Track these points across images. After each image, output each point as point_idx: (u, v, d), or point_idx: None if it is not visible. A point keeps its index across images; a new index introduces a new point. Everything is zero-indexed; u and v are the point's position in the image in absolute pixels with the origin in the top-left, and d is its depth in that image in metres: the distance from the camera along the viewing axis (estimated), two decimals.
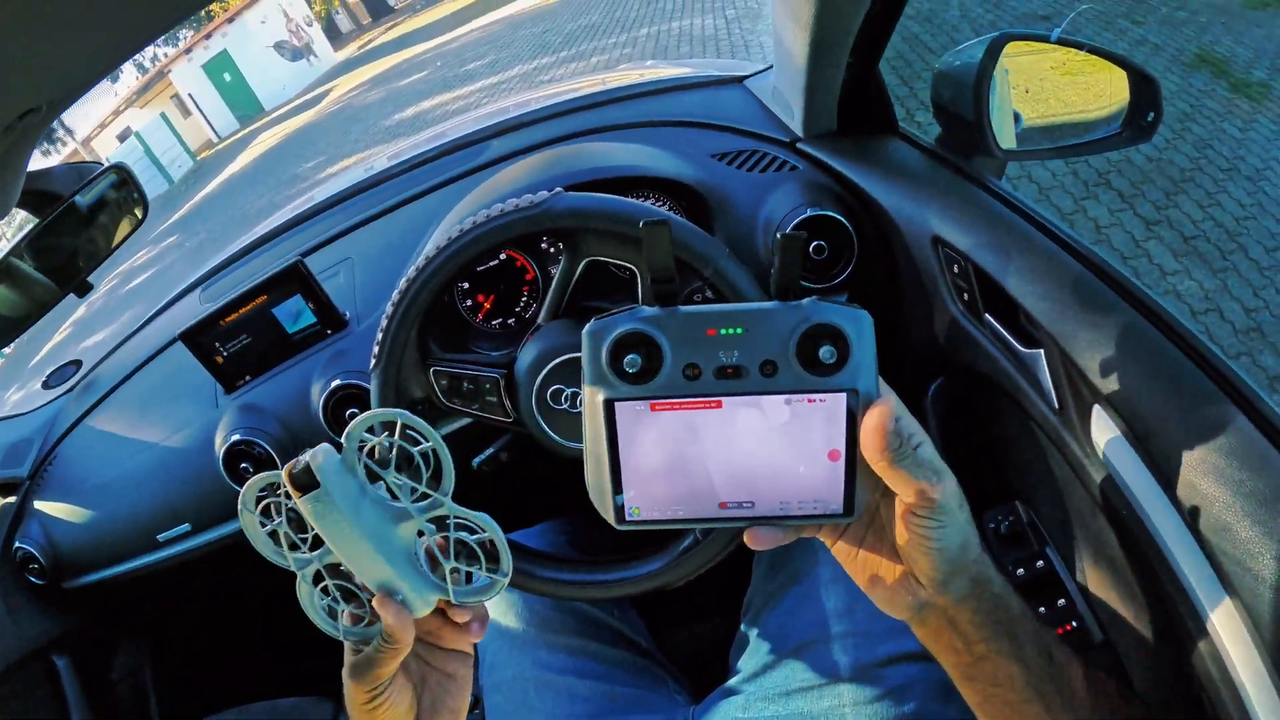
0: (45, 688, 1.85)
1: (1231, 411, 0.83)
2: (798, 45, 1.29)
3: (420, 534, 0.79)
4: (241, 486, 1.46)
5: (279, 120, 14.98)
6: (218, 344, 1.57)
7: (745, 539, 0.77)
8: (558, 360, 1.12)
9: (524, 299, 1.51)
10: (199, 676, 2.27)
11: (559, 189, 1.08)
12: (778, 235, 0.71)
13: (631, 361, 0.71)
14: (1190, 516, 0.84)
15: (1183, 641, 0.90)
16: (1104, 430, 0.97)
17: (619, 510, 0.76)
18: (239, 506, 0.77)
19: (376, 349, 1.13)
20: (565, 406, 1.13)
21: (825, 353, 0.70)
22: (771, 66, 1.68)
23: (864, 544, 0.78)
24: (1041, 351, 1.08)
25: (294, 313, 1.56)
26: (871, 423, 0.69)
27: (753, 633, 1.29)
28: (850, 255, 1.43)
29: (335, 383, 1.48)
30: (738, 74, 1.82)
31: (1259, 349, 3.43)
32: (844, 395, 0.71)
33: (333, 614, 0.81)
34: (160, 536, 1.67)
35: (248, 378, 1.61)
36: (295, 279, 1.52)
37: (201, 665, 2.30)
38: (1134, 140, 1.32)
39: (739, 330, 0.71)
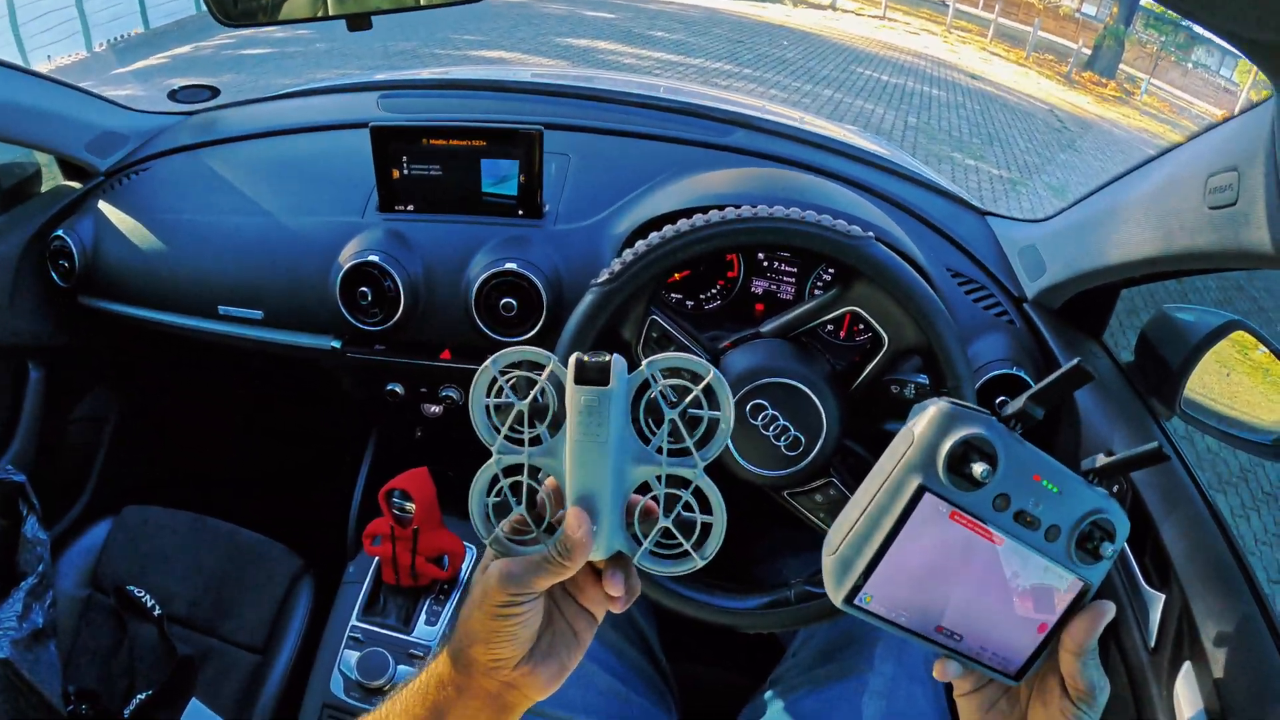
0: (7, 389, 1.76)
1: None
2: (1122, 247, 1.29)
3: (644, 489, 0.76)
4: (347, 307, 1.48)
5: None
6: (405, 158, 1.49)
7: (936, 666, 0.80)
8: (776, 380, 1.10)
9: (713, 291, 1.49)
10: (158, 461, 2.18)
11: (871, 234, 1.08)
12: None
13: (985, 472, 0.70)
14: None
15: None
16: (1187, 686, 1.04)
17: (853, 590, 0.75)
18: (486, 365, 0.74)
19: (619, 267, 1.09)
20: (759, 424, 1.11)
21: (1105, 547, 0.75)
22: (1024, 220, 1.69)
23: (996, 706, 0.83)
24: (1163, 596, 1.13)
25: (500, 175, 1.49)
26: (1090, 618, 0.76)
27: (777, 705, 1.29)
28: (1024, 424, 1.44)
29: (509, 265, 1.42)
30: (976, 204, 1.81)
31: None
32: (1083, 585, 0.77)
33: (495, 516, 0.77)
34: (223, 309, 1.58)
35: (411, 207, 1.53)
36: (527, 145, 1.45)
37: (169, 453, 2.21)
38: (1277, 458, 1.40)
39: (1056, 489, 0.74)
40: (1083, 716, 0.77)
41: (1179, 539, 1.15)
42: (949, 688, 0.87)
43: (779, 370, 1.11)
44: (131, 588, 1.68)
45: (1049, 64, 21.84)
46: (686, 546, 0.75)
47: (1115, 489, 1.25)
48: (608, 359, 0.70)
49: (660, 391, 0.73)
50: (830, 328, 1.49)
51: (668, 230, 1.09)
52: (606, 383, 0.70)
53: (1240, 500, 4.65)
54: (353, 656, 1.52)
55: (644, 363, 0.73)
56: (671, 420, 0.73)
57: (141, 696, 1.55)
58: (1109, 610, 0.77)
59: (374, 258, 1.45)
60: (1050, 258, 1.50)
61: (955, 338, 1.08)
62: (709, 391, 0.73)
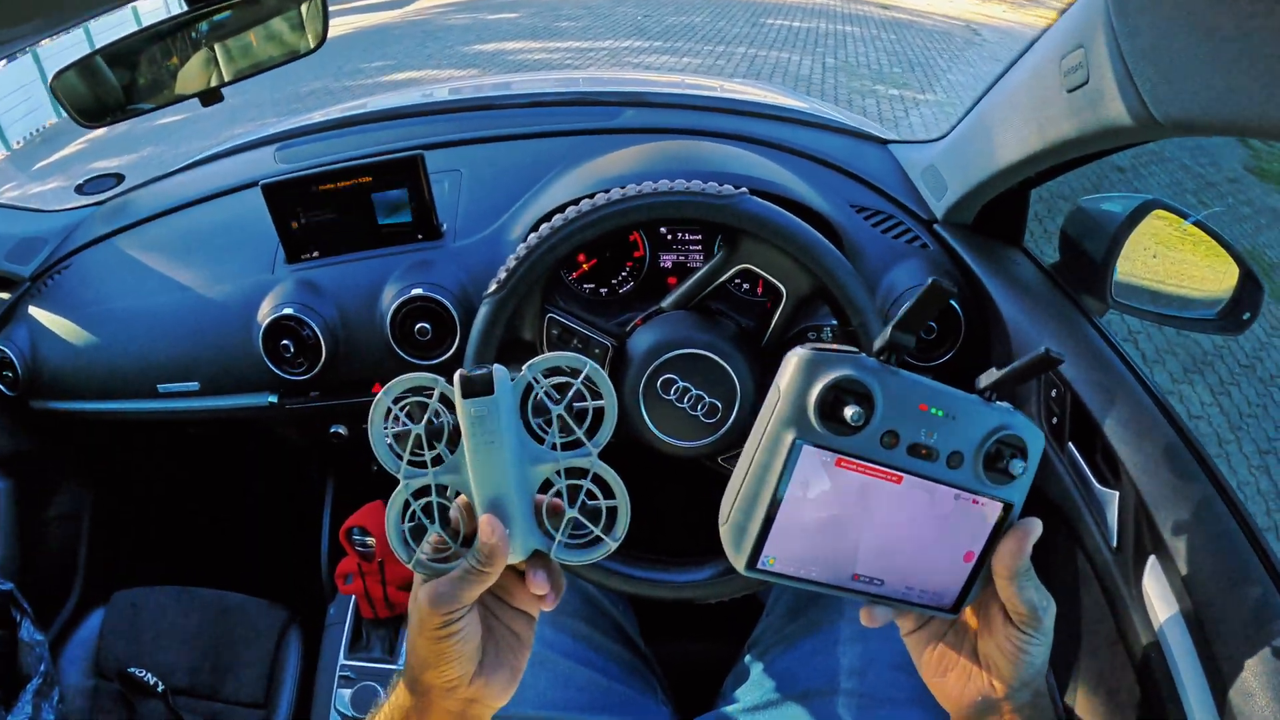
0: None
1: (1278, 602, 0.89)
2: (1006, 149, 1.30)
3: (549, 485, 0.78)
4: (273, 362, 1.48)
5: (359, 10, 14.82)
6: (299, 208, 1.50)
7: (862, 614, 0.80)
8: (681, 351, 1.11)
9: (623, 274, 1.50)
10: (139, 542, 2.19)
11: (745, 189, 1.08)
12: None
13: (856, 415, 0.68)
14: (1219, 680, 0.90)
15: None
16: (1155, 580, 1.03)
17: (754, 555, 0.73)
18: (379, 396, 0.75)
19: (504, 275, 1.10)
20: (672, 398, 1.12)
21: (1015, 464, 0.73)
22: (923, 140, 1.69)
23: (943, 640, 0.83)
24: (1116, 493, 1.13)
25: (392, 205, 1.51)
26: (1016, 538, 0.75)
27: (757, 668, 1.29)
28: (954, 343, 1.45)
29: (416, 291, 1.44)
30: (877, 133, 1.82)
31: None
32: (1001, 506, 0.75)
33: (414, 539, 0.78)
34: (162, 387, 1.60)
35: (315, 253, 1.54)
36: (410, 171, 1.47)
37: (145, 532, 2.22)
38: (1225, 330, 1.38)
39: (944, 413, 0.72)
40: (1029, 639, 0.76)
41: (1123, 433, 1.14)
42: None
43: (681, 341, 1.11)
44: (133, 669, 1.72)
45: None
46: (597, 532, 0.78)
47: (1054, 394, 1.24)
48: (489, 370, 0.73)
49: (545, 391, 0.76)
50: (746, 286, 1.48)
51: (543, 229, 1.10)
52: (491, 392, 0.73)
53: (1219, 377, 4.70)
54: (346, 694, 1.62)
55: (525, 366, 0.75)
56: (559, 416, 0.76)
57: None
58: (1034, 528, 0.76)
59: (288, 310, 1.47)
60: (948, 174, 1.51)
61: (848, 274, 1.08)
62: (590, 382, 0.76)
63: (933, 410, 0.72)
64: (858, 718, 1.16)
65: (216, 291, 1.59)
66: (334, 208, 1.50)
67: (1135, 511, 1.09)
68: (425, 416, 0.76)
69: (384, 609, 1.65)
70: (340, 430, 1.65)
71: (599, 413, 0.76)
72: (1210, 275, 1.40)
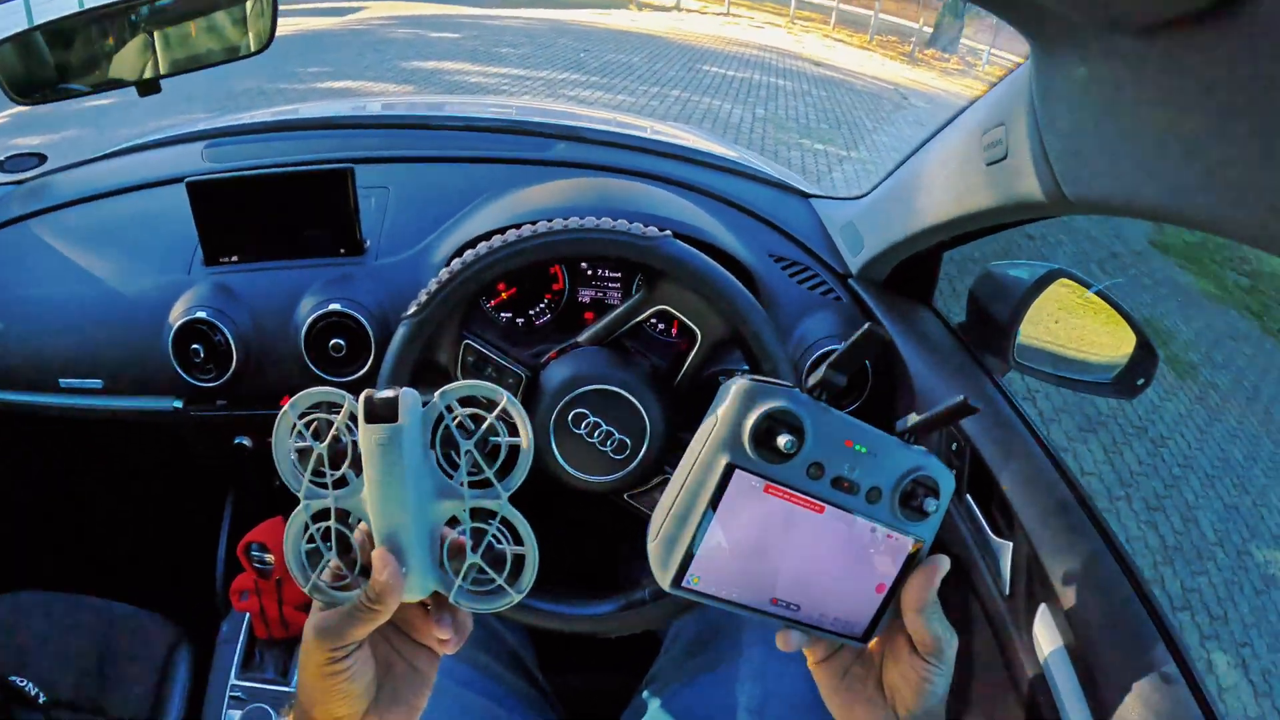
0: None
1: (1162, 652, 0.95)
2: (924, 213, 1.34)
3: (454, 522, 0.75)
4: (182, 366, 1.45)
5: (298, 15, 14.64)
6: (223, 210, 1.47)
7: (778, 638, 0.82)
8: (595, 386, 1.11)
9: (541, 305, 1.50)
10: (22, 545, 2.09)
11: (668, 232, 1.10)
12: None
13: (789, 443, 0.71)
14: None
15: None
16: (1045, 626, 1.08)
17: (680, 573, 0.75)
18: (285, 410, 0.72)
19: (425, 297, 1.09)
20: (583, 433, 1.12)
21: (928, 502, 0.78)
22: (844, 198, 1.72)
23: (850, 669, 0.86)
24: (1010, 544, 1.17)
25: (317, 216, 1.48)
26: (925, 574, 0.80)
27: (654, 703, 1.29)
28: (861, 393, 1.47)
29: (333, 306, 1.41)
30: (800, 187, 1.85)
31: (1196, 606, 3.98)
32: (912, 541, 0.80)
33: (312, 563, 0.75)
34: (63, 381, 1.53)
35: (234, 258, 1.51)
36: (339, 184, 1.45)
37: (33, 532, 2.13)
38: (1119, 395, 1.45)
39: (866, 450, 0.76)
40: (933, 669, 0.80)
41: (1019, 487, 1.19)
42: None
43: (594, 377, 1.12)
44: (14, 678, 1.60)
45: (892, 45, 22.37)
46: (500, 582, 0.75)
47: (954, 447, 1.29)
48: (395, 394, 0.70)
49: (458, 421, 0.73)
50: (661, 326, 1.50)
51: (468, 255, 1.09)
52: (395, 419, 0.69)
53: (1111, 437, 4.91)
54: (235, 716, 1.52)
55: (437, 394, 0.73)
56: (468, 452, 0.73)
57: None
58: (943, 565, 0.80)
59: (201, 314, 1.43)
60: (866, 232, 1.55)
61: (764, 323, 1.11)
62: (506, 416, 0.73)
63: (857, 446, 0.76)
64: None
65: (129, 287, 1.54)
66: (258, 213, 1.48)
67: (1028, 562, 1.13)
68: (330, 435, 0.73)
69: (279, 629, 1.59)
70: (245, 442, 1.62)
71: (513, 451, 0.74)
72: (1108, 342, 1.46)
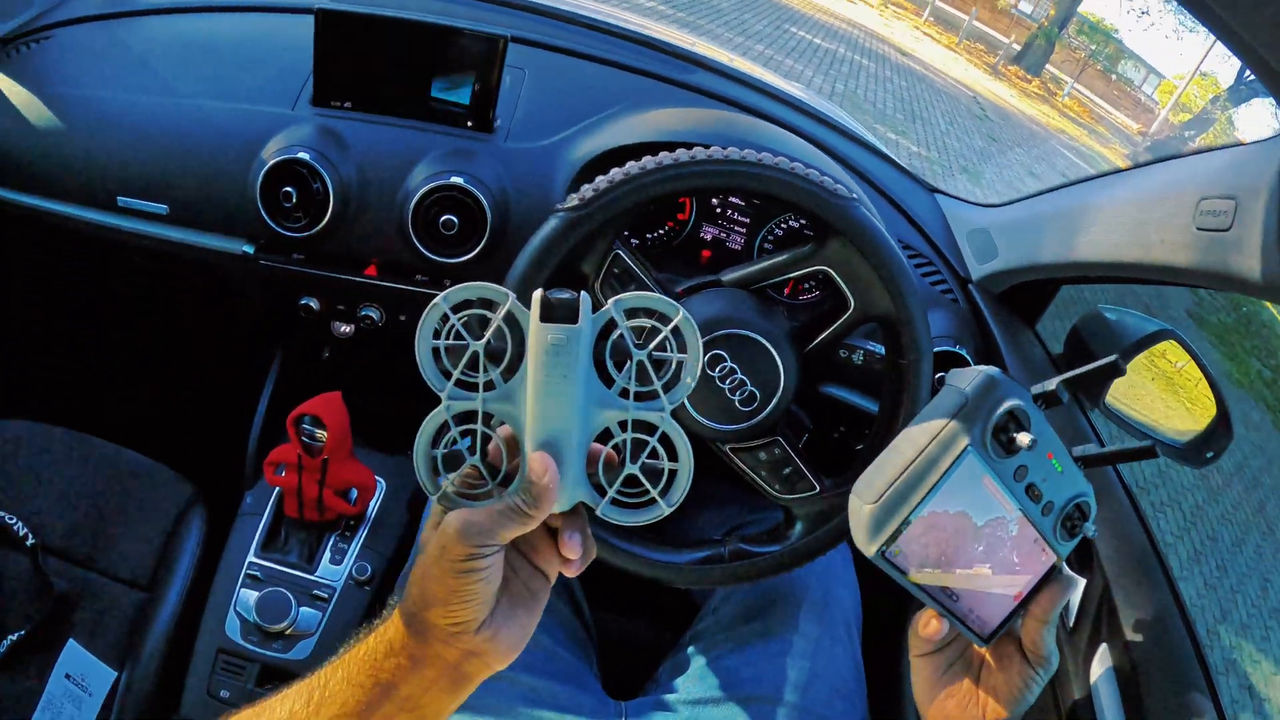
0: None
1: (1207, 705, 0.99)
2: (1089, 246, 1.31)
3: (608, 436, 0.72)
4: (267, 209, 1.35)
5: None
6: (349, 48, 1.36)
7: (921, 621, 0.84)
8: (738, 332, 1.06)
9: (660, 231, 1.43)
10: (34, 369, 1.96)
11: (860, 194, 1.05)
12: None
13: (1031, 442, 0.74)
14: None
15: None
16: (1102, 665, 1.10)
17: (890, 541, 0.75)
18: (436, 302, 0.69)
19: (591, 194, 1.01)
20: (716, 376, 1.06)
21: (1087, 528, 0.82)
22: (973, 202, 1.71)
23: (952, 667, 0.88)
24: (1084, 580, 1.16)
25: (451, 81, 1.38)
26: (1057, 591, 0.83)
27: (699, 661, 1.27)
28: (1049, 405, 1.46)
29: (454, 179, 1.31)
30: (926, 180, 1.81)
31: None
32: (1056, 558, 0.83)
33: (449, 466, 0.72)
34: (123, 200, 1.39)
35: (348, 104, 1.40)
36: (489, 51, 1.35)
37: (44, 362, 1.99)
38: (1186, 461, 1.44)
39: (1060, 469, 0.80)
40: (1035, 679, 0.83)
41: (1104, 529, 1.20)
42: (864, 647, 0.92)
43: (742, 321, 1.06)
44: (1, 513, 1.45)
45: (978, 53, 22.25)
46: (654, 494, 0.73)
47: None
48: (574, 296, 0.67)
49: (625, 332, 0.70)
50: (807, 285, 1.45)
51: (648, 161, 1.02)
52: (574, 320, 0.67)
53: (1159, 498, 4.97)
54: (250, 596, 1.39)
55: (609, 301, 0.70)
56: (639, 362, 0.71)
57: (14, 637, 1.34)
58: (1079, 584, 0.85)
59: (304, 155, 1.32)
60: (1003, 244, 1.51)
61: (923, 311, 1.07)
62: (676, 333, 0.71)
63: (1054, 461, 0.80)
64: None
65: (220, 109, 1.41)
66: (389, 61, 1.38)
67: (1099, 600, 1.14)
68: (487, 334, 0.69)
69: (313, 511, 1.46)
70: (312, 304, 1.48)
71: (679, 367, 0.71)
72: (1187, 409, 1.45)
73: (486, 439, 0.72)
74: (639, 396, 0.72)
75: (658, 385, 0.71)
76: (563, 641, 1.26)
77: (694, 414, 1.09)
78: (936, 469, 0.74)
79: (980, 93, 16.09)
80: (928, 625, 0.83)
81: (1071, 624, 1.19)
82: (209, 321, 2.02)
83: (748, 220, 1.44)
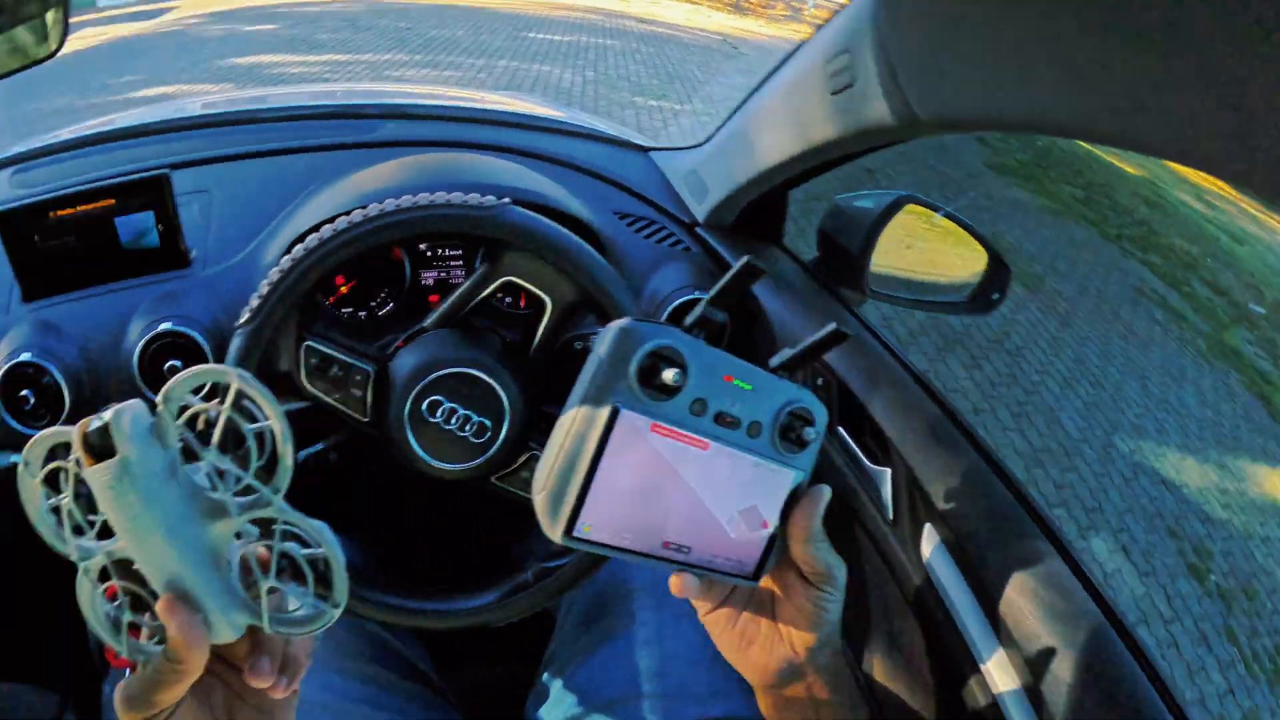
0: None
1: (1045, 547, 0.99)
2: (768, 152, 1.33)
3: (239, 537, 0.64)
4: (14, 416, 1.30)
5: (108, 21, 14.03)
6: (37, 238, 1.33)
7: (674, 582, 0.80)
8: (446, 371, 1.06)
9: (383, 295, 1.42)
10: None
11: (508, 200, 1.05)
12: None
13: (676, 375, 0.70)
14: (1002, 626, 0.97)
15: None
16: (931, 544, 1.10)
17: (570, 522, 0.72)
18: (20, 465, 0.63)
19: (258, 302, 1.01)
20: (439, 420, 1.07)
21: (807, 431, 0.79)
22: (684, 147, 1.71)
23: (742, 614, 0.86)
24: (889, 471, 1.19)
25: (138, 230, 1.36)
26: (809, 504, 0.80)
27: (556, 684, 1.27)
28: (720, 342, 1.46)
29: (164, 326, 1.29)
30: (639, 141, 1.83)
31: (1071, 501, 4.24)
32: (794, 474, 0.81)
33: (120, 624, 0.65)
34: None
35: (55, 290, 1.37)
36: (155, 192, 1.33)
37: None
38: (975, 311, 1.48)
39: (749, 386, 0.76)
40: (825, 596, 0.82)
41: (889, 413, 1.22)
42: None
43: (445, 360, 1.07)
44: None
45: None
46: (310, 595, 0.65)
47: (819, 382, 1.30)
48: (105, 420, 0.59)
49: (189, 426, 0.62)
50: (509, 299, 1.45)
51: (296, 250, 1.02)
52: (114, 451, 0.59)
53: (969, 354, 5.10)
54: None
55: (159, 397, 0.61)
56: (210, 464, 0.62)
57: None
58: (825, 494, 0.82)
59: (25, 356, 1.28)
60: (710, 178, 1.54)
61: (613, 280, 1.08)
62: (244, 399, 0.61)
63: (737, 382, 0.76)
64: (665, 719, 1.17)
65: None
66: (75, 234, 1.35)
67: (908, 485, 1.16)
68: (73, 482, 0.62)
69: None
70: None
71: (272, 442, 0.62)
72: (960, 262, 1.48)
73: (131, 592, 0.65)
74: (243, 493, 0.63)
75: (248, 478, 0.62)
76: (417, 716, 1.24)
77: (438, 463, 1.09)
78: (591, 438, 0.71)
79: (730, 33, 16.39)
80: (679, 584, 0.80)
81: (891, 515, 1.20)
82: (14, 533, 1.90)
83: (460, 252, 1.44)
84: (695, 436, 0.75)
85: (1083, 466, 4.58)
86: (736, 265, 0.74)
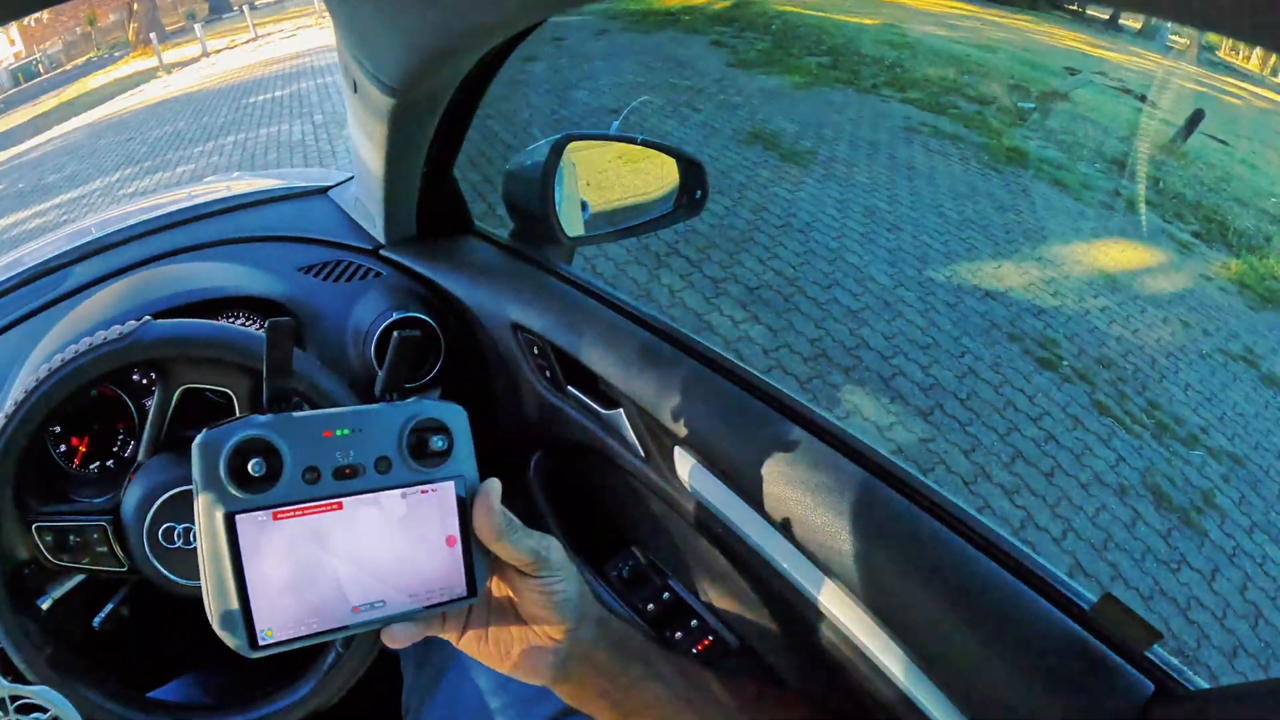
0: None
1: (789, 427, 1.00)
2: (373, 158, 1.33)
3: None
4: None
5: None
6: None
7: (383, 639, 0.77)
8: (165, 496, 1.05)
9: (121, 437, 1.37)
10: None
11: (147, 317, 1.04)
12: (395, 335, 0.75)
13: (256, 465, 0.68)
14: (776, 519, 0.99)
15: (805, 626, 1.04)
16: (686, 467, 1.12)
17: (250, 635, 0.71)
18: None
19: None
20: (179, 544, 1.06)
21: (436, 441, 0.75)
22: (353, 176, 1.70)
23: (490, 625, 0.83)
24: (621, 411, 1.20)
25: None
26: (481, 503, 0.76)
27: None
28: (438, 352, 1.46)
29: None
30: (322, 184, 1.82)
31: (827, 370, 4.20)
32: (452, 483, 0.77)
33: None
34: None
35: None
36: None
37: None
38: (687, 215, 1.49)
39: (350, 431, 0.73)
40: (549, 580, 0.79)
41: (603, 355, 1.22)
42: None
43: (162, 486, 1.06)
44: None
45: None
46: None
47: (535, 350, 1.29)
48: None
49: None
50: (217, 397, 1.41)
51: None
52: None
53: (685, 263, 5.13)
54: None
55: None
56: None
57: None
58: (493, 488, 0.77)
59: None
60: (367, 201, 1.55)
61: (277, 351, 1.05)
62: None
63: (338, 432, 0.73)
64: None
65: None
66: None
67: (643, 419, 1.17)
68: None
69: None
70: None
71: None
72: (653, 175, 1.48)
73: None
74: None
75: None
76: None
77: (192, 583, 1.08)
78: (222, 554, 0.70)
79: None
80: (389, 638, 0.78)
81: (643, 454, 1.21)
82: None
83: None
84: (323, 503, 0.72)
85: (906, 309, 4.70)
86: (266, 327, 0.72)
